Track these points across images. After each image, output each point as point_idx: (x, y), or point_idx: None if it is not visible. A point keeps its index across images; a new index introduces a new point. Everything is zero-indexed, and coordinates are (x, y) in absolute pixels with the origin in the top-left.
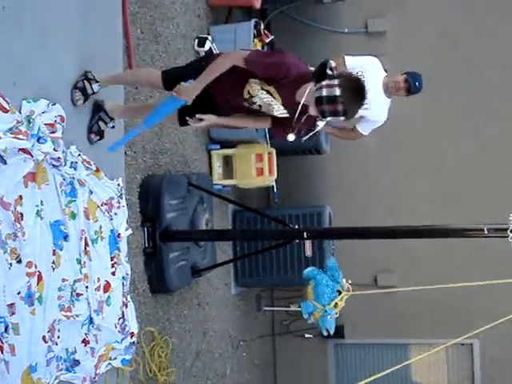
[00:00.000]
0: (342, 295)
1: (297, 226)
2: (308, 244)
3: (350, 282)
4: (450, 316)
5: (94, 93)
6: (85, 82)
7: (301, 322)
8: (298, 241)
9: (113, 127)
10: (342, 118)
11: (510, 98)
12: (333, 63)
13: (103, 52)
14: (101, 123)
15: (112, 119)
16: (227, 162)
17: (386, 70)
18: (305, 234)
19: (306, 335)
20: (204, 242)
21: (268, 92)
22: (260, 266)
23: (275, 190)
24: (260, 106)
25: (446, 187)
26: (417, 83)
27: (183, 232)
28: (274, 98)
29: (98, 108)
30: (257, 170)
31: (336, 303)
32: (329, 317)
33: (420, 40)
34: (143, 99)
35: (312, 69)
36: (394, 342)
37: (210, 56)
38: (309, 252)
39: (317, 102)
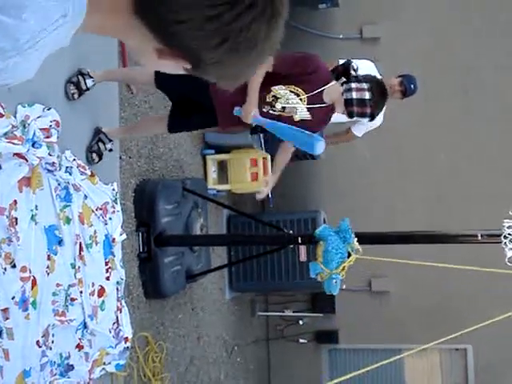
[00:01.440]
0: (351, 258)
1: (291, 231)
2: (302, 249)
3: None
4: (444, 321)
5: (88, 88)
6: (79, 76)
7: (295, 326)
8: (292, 246)
9: (110, 150)
10: (367, 120)
11: (505, 101)
12: (354, 65)
13: (97, 51)
14: (100, 144)
15: (110, 140)
16: (222, 166)
17: (381, 75)
18: (299, 239)
19: (301, 340)
20: (198, 247)
21: (295, 93)
22: (254, 271)
23: (270, 195)
24: (284, 108)
25: (439, 192)
26: (412, 85)
27: (178, 237)
28: (300, 99)
29: (97, 131)
30: (251, 175)
31: (344, 267)
32: (334, 281)
33: (414, 45)
34: (137, 103)
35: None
36: (388, 348)
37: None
38: (303, 257)
39: (346, 103)
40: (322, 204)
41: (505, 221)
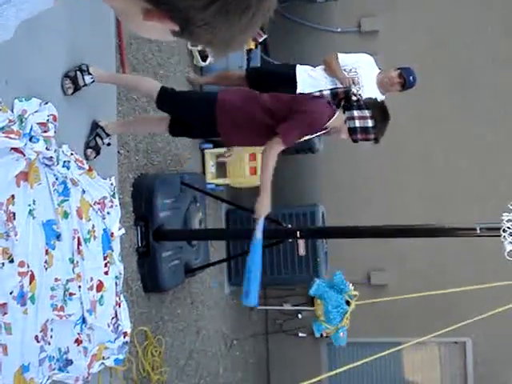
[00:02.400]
0: (351, 306)
1: (290, 226)
2: (301, 243)
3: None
4: (443, 315)
5: (85, 85)
6: (77, 72)
7: (294, 320)
8: (291, 240)
9: (108, 144)
10: (371, 143)
11: (503, 96)
12: (354, 90)
13: (96, 50)
14: (98, 139)
15: (108, 135)
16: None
17: (379, 69)
18: (298, 233)
19: (300, 334)
20: (197, 242)
21: None
22: None
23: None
24: None
25: (437, 186)
26: (411, 78)
27: (176, 231)
28: None
29: (95, 126)
30: (250, 169)
31: (347, 317)
32: (341, 334)
33: (413, 39)
34: (135, 98)
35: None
36: (387, 341)
37: (213, 93)
38: (302, 251)
39: (350, 131)
40: (321, 198)
41: (504, 214)
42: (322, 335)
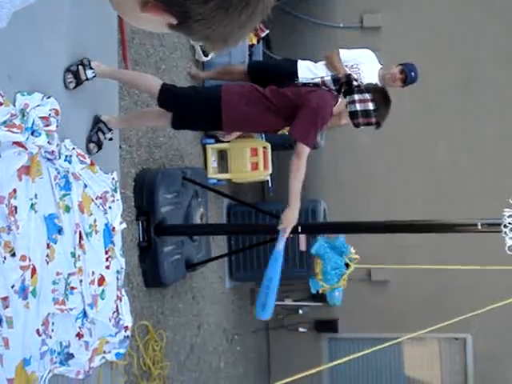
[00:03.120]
0: (350, 269)
1: None
2: (302, 238)
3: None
4: (443, 310)
5: (87, 79)
6: (79, 66)
7: (295, 315)
8: (292, 235)
9: (110, 139)
10: (374, 128)
11: (505, 93)
12: (355, 75)
13: (98, 45)
14: (100, 134)
15: (110, 130)
16: (222, 156)
17: (381, 64)
18: (299, 228)
19: (300, 329)
20: (198, 237)
21: None
22: (254, 260)
23: (270, 184)
24: None
25: (439, 182)
26: (412, 73)
27: (178, 226)
28: None
29: (97, 120)
30: (252, 164)
31: (344, 278)
32: (336, 293)
33: (415, 35)
34: (137, 92)
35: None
36: (388, 337)
37: (216, 89)
38: (303, 246)
39: (351, 115)
40: (322, 193)
41: (505, 210)
42: (317, 292)
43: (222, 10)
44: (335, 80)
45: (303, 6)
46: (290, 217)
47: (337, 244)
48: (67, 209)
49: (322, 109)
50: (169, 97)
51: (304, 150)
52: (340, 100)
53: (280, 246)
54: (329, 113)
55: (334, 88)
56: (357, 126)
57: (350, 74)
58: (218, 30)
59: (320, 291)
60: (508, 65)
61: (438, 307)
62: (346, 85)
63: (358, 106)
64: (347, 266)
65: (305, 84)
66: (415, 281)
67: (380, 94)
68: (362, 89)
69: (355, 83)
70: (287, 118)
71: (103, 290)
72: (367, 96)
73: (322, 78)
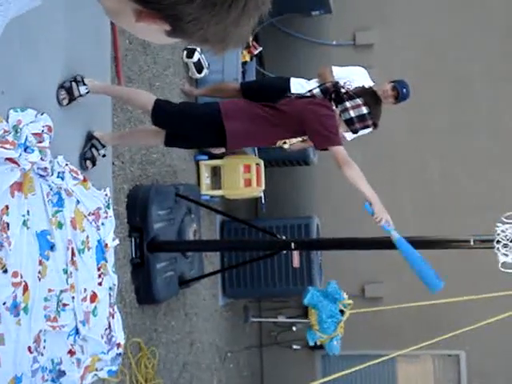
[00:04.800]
0: (345, 315)
1: (284, 237)
2: (296, 255)
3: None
4: (438, 327)
5: (80, 95)
6: (72, 83)
7: (288, 333)
8: (285, 252)
9: (104, 155)
10: (371, 129)
11: (496, 110)
12: (340, 82)
13: (91, 62)
14: (93, 150)
15: (104, 146)
16: (215, 172)
17: (373, 81)
18: (292, 244)
19: (294, 346)
20: (191, 253)
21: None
22: (248, 276)
23: (263, 200)
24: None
25: (433, 199)
26: (404, 90)
27: (171, 242)
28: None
29: (90, 136)
30: (245, 180)
31: (341, 326)
32: (335, 342)
33: (407, 52)
34: (130, 109)
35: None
36: (382, 354)
37: (214, 106)
38: (296, 263)
39: (347, 123)
40: (316, 209)
41: (498, 224)
42: (315, 344)
43: (209, 7)
44: (324, 91)
45: (296, 23)
46: (379, 208)
47: (329, 291)
48: (60, 225)
49: (328, 110)
50: (163, 113)
51: (339, 151)
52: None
53: (395, 235)
54: (332, 112)
55: (324, 98)
56: (355, 131)
57: (337, 82)
58: (211, 30)
59: (318, 343)
60: (499, 81)
61: (431, 324)
62: (335, 94)
63: (352, 113)
64: (342, 312)
65: (298, 97)
66: (409, 298)
67: (370, 96)
68: (351, 95)
69: (343, 90)
70: (288, 130)
71: (95, 307)
72: (358, 101)
73: (310, 90)
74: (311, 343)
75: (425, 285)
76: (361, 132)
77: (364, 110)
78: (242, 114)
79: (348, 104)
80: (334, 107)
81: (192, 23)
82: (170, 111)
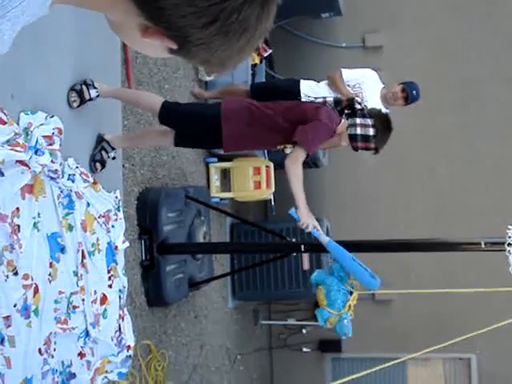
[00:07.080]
0: (354, 295)
1: (294, 240)
2: (305, 257)
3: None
4: (448, 330)
5: (91, 99)
6: (83, 86)
7: (298, 335)
8: (295, 254)
9: (114, 158)
10: (372, 153)
11: (506, 112)
12: (358, 99)
13: (101, 65)
14: (103, 153)
15: (113, 149)
16: (225, 174)
17: (383, 84)
18: (302, 247)
19: (304, 349)
20: (201, 255)
21: None
22: (257, 279)
23: (273, 203)
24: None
25: (442, 201)
26: (414, 92)
27: (180, 245)
28: None
29: (100, 139)
30: (254, 183)
31: (350, 305)
32: (345, 321)
33: (417, 54)
34: (140, 111)
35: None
36: (392, 357)
37: (214, 106)
38: (306, 265)
39: (351, 138)
40: (325, 212)
41: (509, 227)
42: (326, 324)
43: (222, 35)
44: (337, 102)
45: (306, 26)
46: (304, 214)
47: (334, 269)
48: (70, 227)
49: (329, 123)
50: (170, 114)
51: (301, 155)
52: (343, 121)
53: (324, 239)
54: (333, 128)
55: (335, 109)
56: (355, 149)
57: (353, 98)
58: (217, 54)
59: (328, 325)
60: (509, 83)
61: (442, 327)
62: (348, 108)
63: (359, 130)
64: (350, 293)
65: (309, 102)
66: (419, 300)
67: (382, 121)
68: (364, 113)
69: (358, 106)
70: (286, 136)
71: (105, 309)
72: (369, 121)
73: (324, 98)
74: (321, 323)
75: (362, 284)
76: (360, 152)
77: (371, 132)
78: (240, 115)
79: (358, 120)
80: (341, 119)
81: (201, 47)
82: (177, 112)
